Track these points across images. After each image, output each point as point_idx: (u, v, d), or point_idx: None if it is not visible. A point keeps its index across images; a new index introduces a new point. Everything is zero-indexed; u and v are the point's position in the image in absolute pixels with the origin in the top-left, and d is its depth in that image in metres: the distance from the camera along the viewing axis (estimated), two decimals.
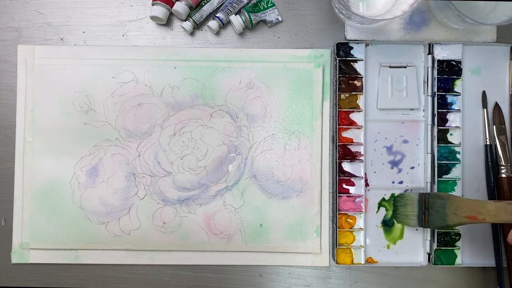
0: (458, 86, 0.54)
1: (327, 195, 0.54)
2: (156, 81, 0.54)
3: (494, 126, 0.54)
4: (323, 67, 0.54)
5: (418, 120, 0.54)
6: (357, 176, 0.53)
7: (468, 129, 0.54)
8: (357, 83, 0.54)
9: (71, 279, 0.54)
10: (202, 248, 0.54)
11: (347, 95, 0.54)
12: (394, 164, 0.54)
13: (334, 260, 0.53)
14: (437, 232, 0.53)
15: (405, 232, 0.54)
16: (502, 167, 0.53)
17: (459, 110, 0.53)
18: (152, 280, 0.54)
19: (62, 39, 0.55)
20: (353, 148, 0.53)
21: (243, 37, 0.55)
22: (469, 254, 0.54)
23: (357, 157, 0.53)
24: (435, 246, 0.53)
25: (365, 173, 0.54)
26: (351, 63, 0.54)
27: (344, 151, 0.53)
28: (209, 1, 0.53)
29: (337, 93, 0.53)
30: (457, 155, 0.54)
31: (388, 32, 0.54)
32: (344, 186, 0.53)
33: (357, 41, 0.54)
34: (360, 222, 0.53)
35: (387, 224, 0.54)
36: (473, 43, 0.54)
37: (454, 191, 0.53)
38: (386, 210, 0.54)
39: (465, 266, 0.54)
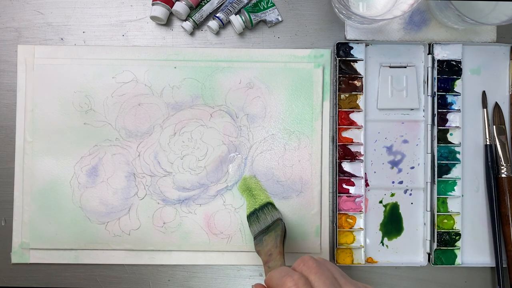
0: (458, 86, 0.54)
1: (327, 195, 0.54)
2: (156, 81, 0.54)
3: (494, 126, 0.54)
4: (323, 67, 0.54)
5: (418, 120, 0.54)
6: (357, 176, 0.53)
7: (468, 129, 0.54)
8: (357, 83, 0.54)
9: (71, 279, 0.54)
10: (202, 248, 0.54)
11: (347, 95, 0.54)
12: (394, 164, 0.54)
13: (334, 260, 0.53)
14: (437, 231, 0.53)
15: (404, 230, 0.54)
16: (502, 167, 0.53)
17: (459, 110, 0.53)
18: (152, 280, 0.54)
19: (62, 39, 0.55)
20: (353, 148, 0.54)
21: (243, 37, 0.55)
22: (469, 254, 0.54)
23: (357, 157, 0.53)
24: (435, 246, 0.53)
25: (365, 173, 0.54)
26: (351, 63, 0.54)
27: (344, 151, 0.53)
28: (209, 1, 0.53)
29: (337, 93, 0.53)
30: (457, 155, 0.54)
31: (388, 32, 0.54)
32: (344, 186, 0.53)
33: (357, 41, 0.54)
34: (360, 222, 0.53)
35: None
36: (473, 43, 0.54)
37: (454, 191, 0.53)
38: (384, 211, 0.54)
39: (465, 266, 0.54)
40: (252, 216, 0.52)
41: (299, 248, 0.54)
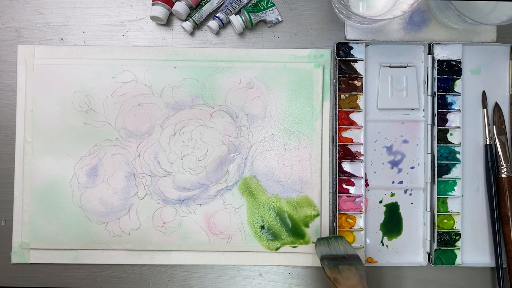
0: (458, 86, 0.54)
1: (327, 195, 0.54)
2: (156, 81, 0.54)
3: (494, 126, 0.54)
4: (323, 67, 0.54)
5: (418, 120, 0.54)
6: (357, 176, 0.53)
7: (468, 129, 0.54)
8: (357, 83, 0.54)
9: (71, 279, 0.54)
10: (202, 248, 0.54)
11: (347, 95, 0.54)
12: (394, 164, 0.54)
13: None
14: (437, 231, 0.53)
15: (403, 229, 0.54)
16: (502, 167, 0.53)
17: (459, 110, 0.53)
18: (152, 280, 0.54)
19: (62, 39, 0.55)
20: (353, 148, 0.54)
21: (243, 37, 0.55)
22: (469, 254, 0.54)
23: (357, 157, 0.53)
24: (435, 246, 0.53)
25: (365, 173, 0.54)
26: (351, 63, 0.54)
27: (344, 151, 0.53)
28: (209, 1, 0.53)
29: (337, 93, 0.53)
30: (457, 155, 0.54)
31: (388, 32, 0.54)
32: (344, 186, 0.53)
33: (357, 41, 0.54)
34: (360, 222, 0.53)
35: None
36: (473, 43, 0.54)
37: (454, 191, 0.53)
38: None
39: (465, 266, 0.54)
40: (322, 240, 0.50)
41: (299, 248, 0.54)
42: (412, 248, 0.54)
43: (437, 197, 0.53)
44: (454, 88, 0.54)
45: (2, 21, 0.55)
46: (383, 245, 0.54)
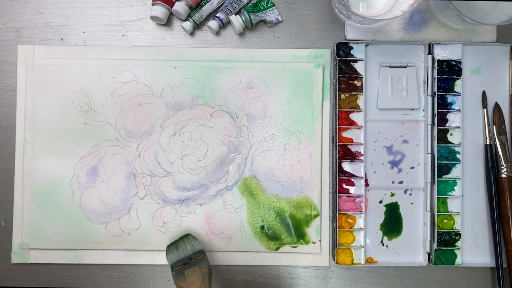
0: (458, 86, 0.54)
1: (327, 195, 0.54)
2: (156, 81, 0.54)
3: (494, 126, 0.54)
4: (323, 67, 0.54)
5: (418, 120, 0.54)
6: (357, 176, 0.53)
7: (468, 129, 0.54)
8: (357, 83, 0.54)
9: (71, 279, 0.54)
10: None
11: (347, 95, 0.54)
12: (394, 164, 0.54)
13: (334, 260, 0.53)
14: (437, 231, 0.53)
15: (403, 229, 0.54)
16: (502, 167, 0.53)
17: (459, 110, 0.53)
18: (152, 280, 0.54)
19: (62, 39, 0.55)
20: (353, 148, 0.54)
21: (243, 37, 0.55)
22: (469, 254, 0.54)
23: (357, 157, 0.53)
24: (435, 246, 0.53)
25: (365, 173, 0.54)
26: (351, 63, 0.54)
27: (344, 151, 0.53)
28: (209, 1, 0.53)
29: (337, 93, 0.53)
30: (457, 155, 0.54)
31: (388, 32, 0.54)
32: (344, 186, 0.53)
33: (357, 41, 0.54)
34: (360, 222, 0.53)
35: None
36: (473, 43, 0.54)
37: (454, 191, 0.53)
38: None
39: (465, 266, 0.54)
40: (171, 245, 0.50)
41: (299, 248, 0.54)
42: (412, 248, 0.54)
43: (437, 197, 0.53)
44: (454, 88, 0.54)
45: (2, 21, 0.55)
46: (383, 245, 0.54)
